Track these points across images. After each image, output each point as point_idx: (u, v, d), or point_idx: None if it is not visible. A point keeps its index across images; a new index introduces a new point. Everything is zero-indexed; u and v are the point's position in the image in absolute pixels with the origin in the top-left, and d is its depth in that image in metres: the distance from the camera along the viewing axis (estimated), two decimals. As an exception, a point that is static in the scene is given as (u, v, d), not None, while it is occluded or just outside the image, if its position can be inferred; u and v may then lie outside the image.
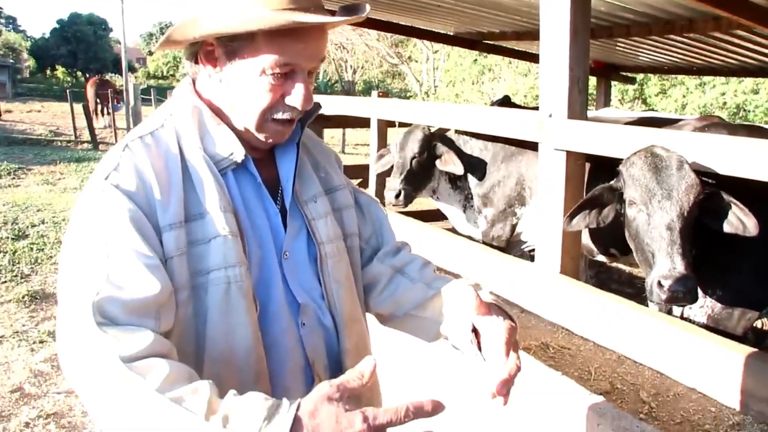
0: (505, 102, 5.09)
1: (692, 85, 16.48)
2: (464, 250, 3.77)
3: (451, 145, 4.25)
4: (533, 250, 4.29)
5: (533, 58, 8.47)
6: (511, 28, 6.78)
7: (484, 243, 4.20)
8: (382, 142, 5.07)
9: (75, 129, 16.81)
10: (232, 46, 1.20)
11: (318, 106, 1.38)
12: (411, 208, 5.57)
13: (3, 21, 53.01)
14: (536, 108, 5.04)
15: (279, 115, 1.24)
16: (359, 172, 7.03)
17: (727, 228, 2.32)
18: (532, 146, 3.67)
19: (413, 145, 4.19)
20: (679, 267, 2.18)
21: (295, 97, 1.22)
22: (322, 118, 6.21)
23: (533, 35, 6.63)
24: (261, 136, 1.26)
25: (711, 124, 3.05)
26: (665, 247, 2.23)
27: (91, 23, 46.50)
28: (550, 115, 3.14)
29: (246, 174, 1.28)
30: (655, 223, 2.31)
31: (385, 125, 5.15)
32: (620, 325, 2.72)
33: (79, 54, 44.72)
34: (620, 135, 2.78)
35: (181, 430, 0.93)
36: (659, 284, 2.19)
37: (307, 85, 1.23)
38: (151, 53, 55.72)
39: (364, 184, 6.25)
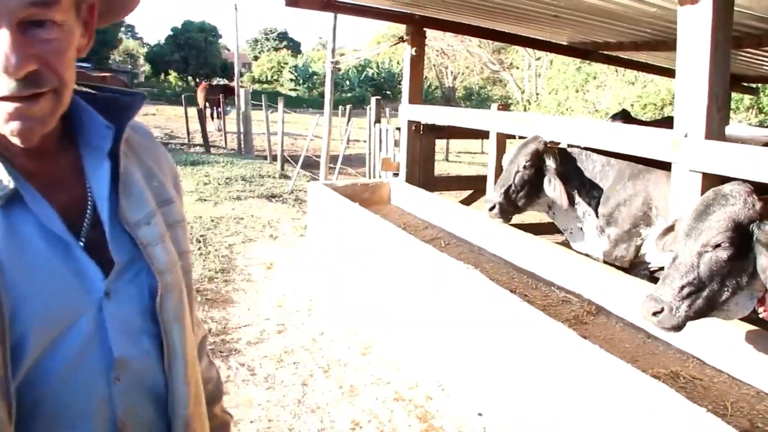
0: (625, 116, 4.97)
1: (815, 92, 15.51)
2: (585, 270, 3.68)
3: (567, 163, 4.14)
4: (656, 271, 4.15)
5: (650, 69, 8.22)
6: (630, 39, 6.58)
7: (604, 263, 4.09)
8: (501, 156, 5.01)
9: (188, 133, 17.56)
10: None
11: (139, 97, 1.12)
12: (521, 220, 5.49)
13: (123, 29, 55.91)
14: (653, 121, 4.91)
15: None
16: (472, 183, 6.97)
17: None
18: (659, 164, 3.55)
19: (521, 160, 4.04)
20: (662, 293, 2.36)
21: None
22: (435, 129, 6.23)
23: (652, 46, 6.44)
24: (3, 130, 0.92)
25: None
26: (663, 274, 2.43)
27: (202, 30, 48.51)
28: (686, 135, 3.02)
29: (26, 207, 0.95)
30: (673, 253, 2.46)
31: (504, 138, 5.10)
32: (760, 357, 2.59)
33: (190, 60, 46.76)
34: (763, 157, 2.65)
35: None
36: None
37: (17, 40, 0.87)
38: (256, 58, 57.53)
39: (480, 194, 6.21)
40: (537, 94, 29.93)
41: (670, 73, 8.91)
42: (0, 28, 0.86)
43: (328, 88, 8.23)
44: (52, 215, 0.96)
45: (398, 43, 6.43)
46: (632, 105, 20.12)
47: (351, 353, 4.13)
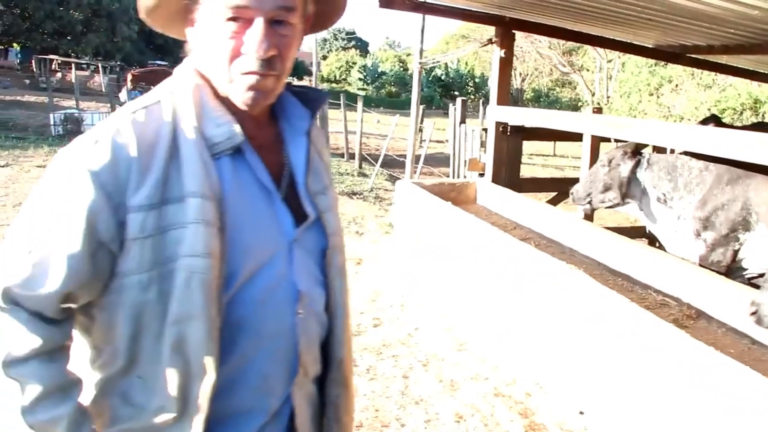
0: (716, 121, 4.94)
1: None
2: (684, 273, 3.69)
3: (661, 167, 4.18)
4: (754, 278, 4.12)
5: (735, 72, 8.06)
6: (721, 42, 6.47)
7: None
8: (595, 159, 5.05)
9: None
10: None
11: (324, 94, 1.39)
12: (617, 224, 5.49)
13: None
14: (744, 127, 4.82)
15: (243, 68, 1.15)
16: (558, 185, 6.94)
17: None
18: (760, 169, 3.54)
19: (602, 157, 4.49)
20: (759, 296, 2.61)
21: (249, 44, 1.13)
22: (522, 131, 6.28)
23: (746, 49, 6.32)
24: (236, 97, 1.18)
25: None
26: (765, 278, 2.68)
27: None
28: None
29: (246, 160, 1.21)
30: None
31: (597, 141, 5.12)
32: None
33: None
34: None
35: None
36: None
37: (267, 31, 1.13)
38: (324, 58, 58.20)
39: (564, 196, 6.22)
40: (608, 97, 29.43)
41: (754, 75, 8.73)
42: (258, 23, 1.12)
43: (415, 89, 8.34)
44: (263, 170, 1.22)
45: (487, 44, 6.50)
46: (709, 109, 19.60)
47: (446, 349, 4.23)
